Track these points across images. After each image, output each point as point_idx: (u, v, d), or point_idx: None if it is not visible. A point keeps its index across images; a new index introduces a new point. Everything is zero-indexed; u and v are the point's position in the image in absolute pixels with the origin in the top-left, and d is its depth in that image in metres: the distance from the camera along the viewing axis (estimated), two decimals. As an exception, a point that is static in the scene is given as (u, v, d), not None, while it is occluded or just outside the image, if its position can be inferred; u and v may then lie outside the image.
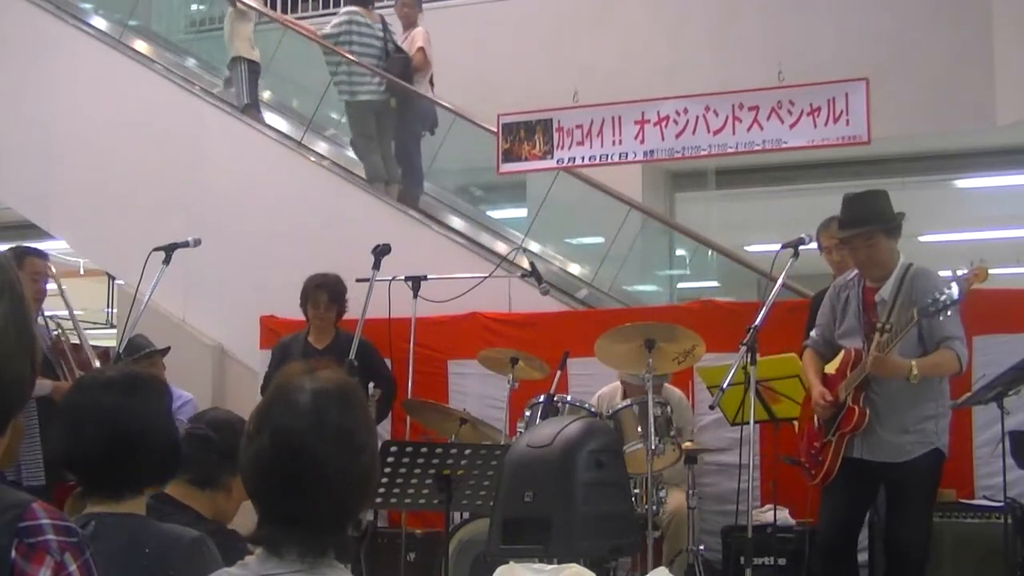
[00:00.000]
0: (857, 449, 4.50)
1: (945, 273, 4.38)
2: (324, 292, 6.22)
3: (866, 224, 4.52)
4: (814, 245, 5.13)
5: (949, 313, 4.20)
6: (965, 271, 4.26)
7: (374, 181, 7.98)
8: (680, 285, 9.50)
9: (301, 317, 6.41)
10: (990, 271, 4.36)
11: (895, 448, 4.45)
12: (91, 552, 1.42)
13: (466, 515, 5.26)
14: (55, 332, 5.53)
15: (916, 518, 4.49)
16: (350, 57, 7.94)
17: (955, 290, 4.16)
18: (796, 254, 4.70)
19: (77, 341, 5.78)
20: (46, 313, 5.58)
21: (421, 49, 8.17)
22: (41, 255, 5.48)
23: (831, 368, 4.69)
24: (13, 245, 5.69)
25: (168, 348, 6.29)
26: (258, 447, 1.80)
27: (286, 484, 1.77)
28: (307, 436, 1.78)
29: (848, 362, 4.55)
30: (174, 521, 2.40)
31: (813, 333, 4.83)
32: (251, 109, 8.46)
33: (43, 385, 4.41)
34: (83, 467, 2.34)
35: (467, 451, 4.40)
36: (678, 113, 6.53)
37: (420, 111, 8.20)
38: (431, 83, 8.31)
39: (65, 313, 5.88)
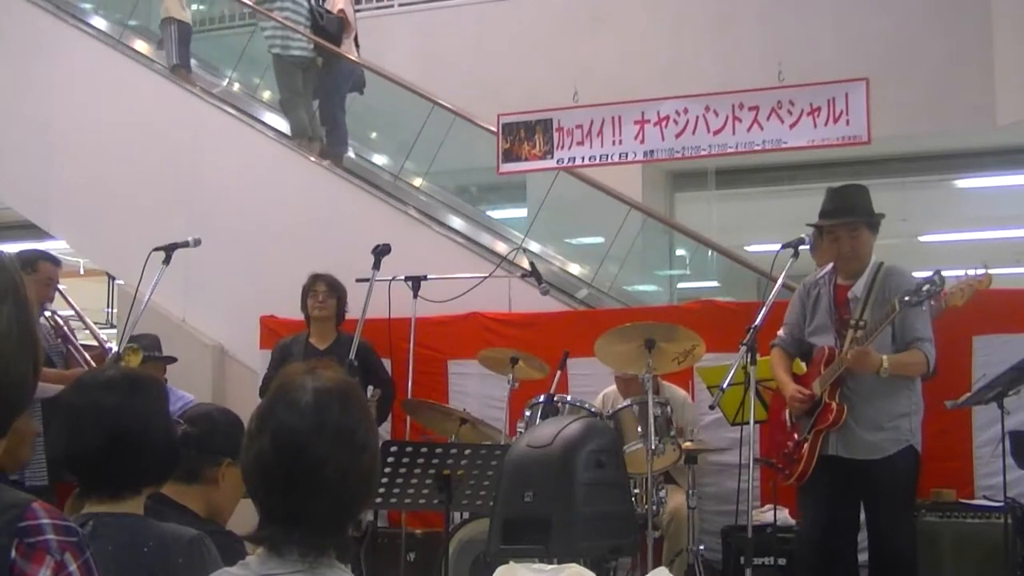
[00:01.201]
0: (833, 446, 4.50)
1: (954, 273, 4.38)
2: (322, 281, 6.28)
3: (852, 215, 4.54)
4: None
5: (932, 303, 4.20)
6: (976, 271, 4.25)
7: (298, 137, 8.14)
8: (680, 285, 9.50)
9: (301, 317, 6.42)
10: (990, 271, 4.37)
11: (871, 445, 4.45)
12: (91, 552, 1.42)
13: (466, 515, 5.26)
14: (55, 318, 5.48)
15: (900, 517, 4.48)
16: (280, 19, 8.20)
17: (939, 280, 4.16)
18: (796, 254, 4.69)
19: (89, 341, 5.77)
20: (58, 313, 5.55)
21: (342, 11, 8.34)
22: (54, 260, 5.46)
23: (799, 370, 4.69)
24: (25, 248, 5.67)
25: (174, 359, 6.29)
26: (260, 447, 1.80)
27: (287, 484, 1.77)
28: (308, 436, 1.78)
29: (822, 359, 4.55)
30: (172, 521, 2.40)
31: (781, 332, 4.82)
32: (180, 69, 8.58)
33: (47, 388, 4.40)
34: (83, 467, 2.34)
35: (467, 451, 4.40)
36: (678, 113, 6.53)
37: (345, 71, 8.36)
38: (356, 44, 8.47)
39: (69, 312, 5.86)
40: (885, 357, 4.35)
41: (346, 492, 1.80)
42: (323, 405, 1.80)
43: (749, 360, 4.44)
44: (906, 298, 4.21)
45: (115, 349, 5.43)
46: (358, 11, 10.23)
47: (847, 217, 4.54)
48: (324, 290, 6.26)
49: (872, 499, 4.53)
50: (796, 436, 4.59)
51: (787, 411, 4.69)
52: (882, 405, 4.44)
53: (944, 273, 4.43)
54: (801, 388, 4.56)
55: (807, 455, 4.51)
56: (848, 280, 4.58)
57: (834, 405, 4.45)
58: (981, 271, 4.32)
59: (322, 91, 8.37)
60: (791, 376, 4.68)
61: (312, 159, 8.09)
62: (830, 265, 4.69)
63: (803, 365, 4.75)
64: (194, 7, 10.52)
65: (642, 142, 6.63)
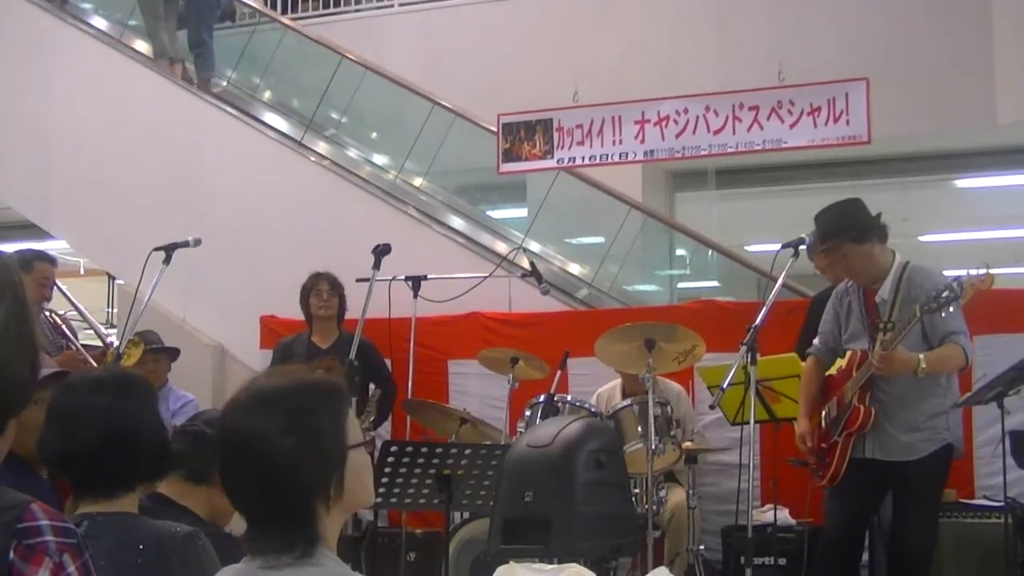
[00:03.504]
0: (868, 449, 4.49)
1: (954, 273, 4.37)
2: (324, 280, 6.28)
3: (830, 238, 4.57)
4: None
5: (951, 309, 4.20)
6: (976, 272, 4.25)
7: (159, 58, 8.45)
8: (680, 285, 9.49)
9: (301, 317, 6.42)
10: (991, 271, 4.36)
11: (906, 447, 4.44)
12: (90, 553, 1.42)
13: (466, 515, 5.26)
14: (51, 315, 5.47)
15: (926, 518, 4.48)
16: None
17: (957, 288, 4.16)
18: (796, 254, 4.69)
19: (92, 341, 5.76)
20: (57, 311, 5.55)
21: None
22: (50, 260, 5.45)
23: (835, 369, 4.69)
24: (22, 248, 5.66)
25: (178, 351, 6.30)
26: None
27: (227, 473, 1.85)
28: (231, 430, 1.83)
29: (854, 363, 4.55)
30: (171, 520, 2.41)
31: (816, 341, 4.82)
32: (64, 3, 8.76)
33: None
34: (76, 467, 2.35)
35: (467, 451, 4.40)
36: (678, 113, 6.53)
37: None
38: None
39: (70, 311, 5.86)
40: (922, 356, 4.34)
41: (266, 473, 1.78)
42: (258, 393, 1.85)
43: (749, 360, 4.43)
44: (927, 304, 4.20)
45: (115, 343, 5.44)
46: (358, 11, 10.29)
47: (825, 243, 4.60)
48: (327, 289, 6.27)
49: (901, 497, 4.54)
50: (829, 438, 4.59)
51: (823, 412, 4.69)
52: (916, 406, 4.44)
53: (945, 273, 4.43)
54: (806, 436, 4.62)
55: (838, 457, 4.51)
56: (875, 285, 4.58)
57: (862, 409, 4.45)
58: (983, 271, 4.30)
59: (189, 18, 8.66)
60: (819, 392, 4.69)
61: (312, 159, 8.10)
62: None
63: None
64: (194, 7, 10.54)
65: (642, 142, 6.63)
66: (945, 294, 4.17)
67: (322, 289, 6.27)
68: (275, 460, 1.77)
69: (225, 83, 9.10)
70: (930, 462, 4.44)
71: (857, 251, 4.53)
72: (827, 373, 4.72)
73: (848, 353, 4.63)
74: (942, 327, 4.39)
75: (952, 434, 4.48)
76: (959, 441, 4.53)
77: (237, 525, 2.60)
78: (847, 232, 4.53)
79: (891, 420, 4.46)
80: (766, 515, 5.28)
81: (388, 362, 6.40)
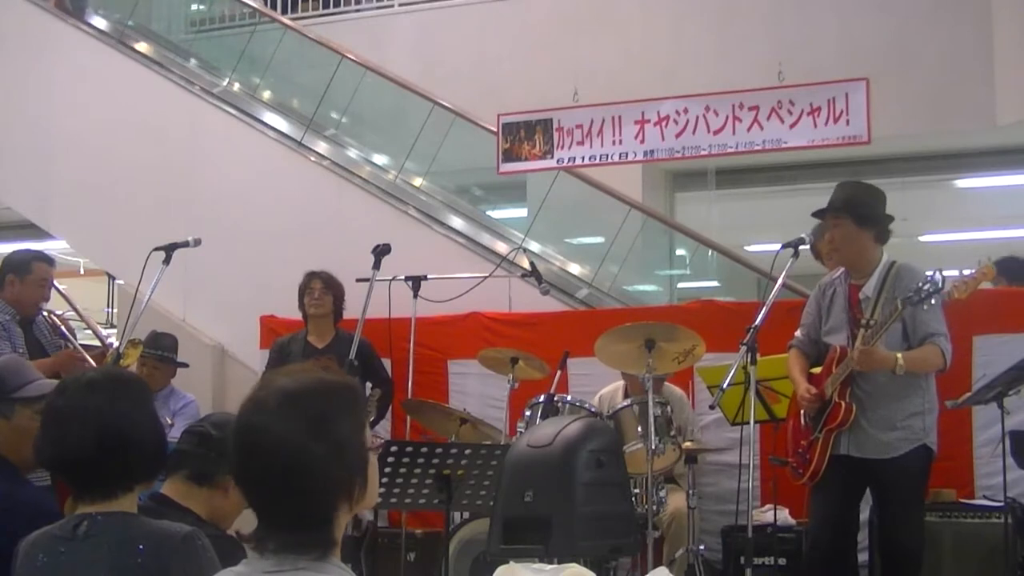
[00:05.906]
0: (844, 446, 4.49)
1: (951, 273, 4.37)
2: (317, 279, 6.28)
3: (835, 208, 4.56)
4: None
5: (933, 302, 4.19)
6: (972, 271, 4.25)
7: None
8: (680, 285, 9.49)
9: (301, 316, 6.41)
10: (991, 262, 4.36)
11: (882, 445, 4.44)
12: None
13: (466, 515, 5.26)
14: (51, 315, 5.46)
15: (909, 517, 4.47)
16: None
17: (938, 279, 4.16)
18: (796, 254, 4.68)
19: (91, 342, 5.76)
20: (56, 312, 5.54)
21: None
22: (48, 260, 5.45)
23: (817, 368, 4.69)
24: (21, 248, 5.66)
25: (185, 364, 6.30)
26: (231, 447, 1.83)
27: (243, 472, 1.80)
28: (258, 433, 1.78)
29: (833, 359, 4.54)
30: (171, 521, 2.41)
31: (798, 333, 4.81)
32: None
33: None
34: (73, 468, 2.35)
35: (467, 451, 4.40)
36: (678, 113, 6.53)
37: None
38: None
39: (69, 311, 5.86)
40: (900, 354, 4.33)
41: (296, 478, 1.75)
42: (282, 403, 1.79)
43: (749, 360, 4.43)
44: (908, 295, 4.20)
45: (115, 344, 5.44)
46: (358, 11, 10.29)
47: (830, 210, 4.57)
48: (320, 287, 6.26)
49: (882, 497, 4.53)
50: (809, 435, 4.59)
51: (802, 411, 4.69)
52: (894, 404, 4.43)
53: (944, 273, 4.42)
54: (810, 387, 4.56)
55: (818, 454, 4.51)
56: (860, 280, 4.58)
57: (842, 404, 4.45)
58: (974, 270, 4.30)
59: None
60: (806, 376, 4.68)
61: (312, 159, 8.09)
62: None
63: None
64: (193, 7, 10.55)
65: (642, 142, 6.63)
66: (926, 287, 4.16)
67: (314, 287, 6.26)
68: (308, 466, 1.74)
69: (225, 83, 9.10)
70: (907, 461, 4.42)
71: (855, 232, 4.53)
72: (810, 371, 4.72)
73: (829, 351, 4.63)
74: (923, 327, 4.40)
75: (927, 436, 4.47)
76: (933, 444, 4.51)
77: (241, 525, 2.61)
78: (855, 210, 4.54)
79: (868, 418, 4.45)
80: (766, 515, 5.28)
81: (388, 362, 6.41)
